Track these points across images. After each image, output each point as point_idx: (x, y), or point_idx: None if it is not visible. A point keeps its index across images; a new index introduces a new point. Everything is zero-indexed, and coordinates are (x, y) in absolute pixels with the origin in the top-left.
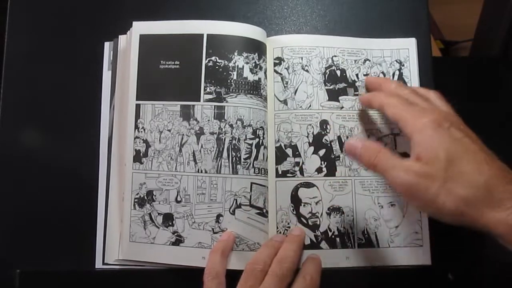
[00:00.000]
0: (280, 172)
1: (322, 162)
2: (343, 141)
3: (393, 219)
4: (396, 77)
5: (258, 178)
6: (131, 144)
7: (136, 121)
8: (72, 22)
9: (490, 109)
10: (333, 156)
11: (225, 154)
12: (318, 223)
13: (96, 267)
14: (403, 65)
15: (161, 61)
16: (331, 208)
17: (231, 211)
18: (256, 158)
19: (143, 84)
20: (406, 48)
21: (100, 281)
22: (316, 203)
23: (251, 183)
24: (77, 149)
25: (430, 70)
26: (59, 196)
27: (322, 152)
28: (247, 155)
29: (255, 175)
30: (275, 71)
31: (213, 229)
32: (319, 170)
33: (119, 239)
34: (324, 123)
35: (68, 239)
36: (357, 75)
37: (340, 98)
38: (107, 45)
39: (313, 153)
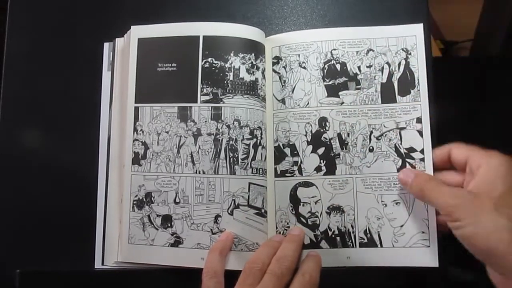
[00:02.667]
0: (278, 172)
1: (321, 161)
2: (343, 138)
3: (397, 218)
4: (402, 67)
5: (256, 178)
6: (130, 146)
7: (134, 123)
8: (72, 22)
9: (490, 109)
10: (332, 154)
11: (222, 154)
12: (317, 222)
13: (96, 267)
14: (410, 54)
15: (159, 64)
16: (330, 207)
17: (229, 211)
18: (253, 158)
19: (141, 87)
20: (413, 35)
21: (99, 281)
22: (316, 202)
23: (249, 183)
24: (77, 149)
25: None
26: (58, 196)
27: (321, 150)
28: (245, 156)
29: (253, 175)
30: (273, 70)
31: (211, 229)
32: (318, 169)
33: (118, 241)
34: (322, 121)
35: (67, 239)
36: (359, 67)
37: (340, 93)
38: (106, 45)
39: (311, 152)
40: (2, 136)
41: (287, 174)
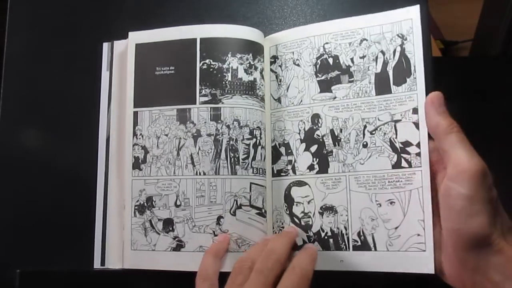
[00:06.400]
0: (275, 172)
1: (314, 159)
2: (336, 134)
3: (392, 219)
4: (397, 54)
5: (256, 178)
6: (130, 151)
7: (134, 128)
8: (72, 22)
9: (490, 109)
10: (325, 152)
11: (223, 155)
12: (310, 223)
13: (95, 267)
14: (406, 39)
15: (157, 68)
16: (323, 207)
17: (231, 212)
18: (254, 158)
19: (140, 91)
20: (408, 19)
21: (99, 281)
22: (308, 202)
23: (250, 183)
24: (76, 149)
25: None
26: (58, 196)
27: (314, 148)
28: (245, 156)
29: (254, 175)
30: (271, 70)
31: (214, 231)
32: (310, 168)
33: (122, 248)
34: (315, 117)
35: (67, 239)
36: (352, 59)
37: (332, 88)
38: (105, 45)
39: (304, 150)
40: (2, 136)
41: (282, 174)
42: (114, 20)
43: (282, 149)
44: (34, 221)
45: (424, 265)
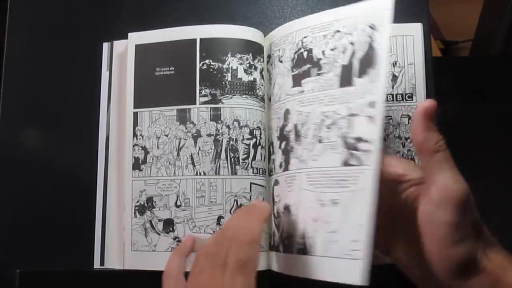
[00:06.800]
0: (269, 172)
1: (282, 156)
2: (298, 129)
3: (332, 221)
4: (366, 46)
5: (256, 178)
6: (130, 152)
7: (134, 128)
8: (72, 22)
9: (490, 109)
10: (289, 148)
11: (223, 155)
12: (277, 223)
13: (94, 267)
14: (377, 30)
15: (157, 68)
16: (283, 206)
17: (232, 212)
18: (254, 158)
19: (139, 92)
20: (382, 9)
21: (99, 281)
22: (279, 201)
23: (250, 183)
24: (76, 149)
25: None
26: (58, 196)
27: (283, 145)
28: (245, 156)
29: (254, 175)
30: (267, 69)
31: (214, 231)
32: (280, 165)
33: (123, 249)
34: (287, 113)
35: (67, 239)
36: (323, 52)
37: (302, 81)
38: (105, 45)
39: (278, 148)
40: (2, 136)
41: (271, 173)
42: (114, 20)
43: (271, 148)
44: (34, 221)
45: (356, 275)
